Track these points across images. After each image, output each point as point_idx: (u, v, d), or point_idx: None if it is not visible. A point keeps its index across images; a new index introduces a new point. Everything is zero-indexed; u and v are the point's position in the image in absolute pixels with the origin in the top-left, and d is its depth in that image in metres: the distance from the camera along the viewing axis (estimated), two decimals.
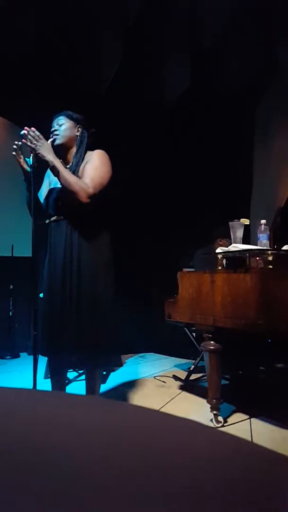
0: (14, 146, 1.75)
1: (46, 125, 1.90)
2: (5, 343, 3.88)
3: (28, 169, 1.81)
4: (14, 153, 1.75)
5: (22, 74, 3.60)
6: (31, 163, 1.73)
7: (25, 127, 1.70)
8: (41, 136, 1.72)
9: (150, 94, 3.88)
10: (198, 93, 3.69)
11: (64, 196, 1.78)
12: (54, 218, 1.83)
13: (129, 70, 3.65)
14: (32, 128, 1.71)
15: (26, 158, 1.78)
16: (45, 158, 1.71)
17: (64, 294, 1.75)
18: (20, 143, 1.73)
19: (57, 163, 1.72)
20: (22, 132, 1.71)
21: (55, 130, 1.86)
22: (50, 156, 1.71)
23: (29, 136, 1.69)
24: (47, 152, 1.71)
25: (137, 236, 4.01)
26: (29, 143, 1.69)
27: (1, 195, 3.72)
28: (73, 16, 3.23)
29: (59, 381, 1.94)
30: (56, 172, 1.72)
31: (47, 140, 1.77)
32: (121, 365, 3.49)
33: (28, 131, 1.69)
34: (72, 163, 1.84)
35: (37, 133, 1.71)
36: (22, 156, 1.78)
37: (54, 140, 1.83)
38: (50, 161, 1.71)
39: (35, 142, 1.69)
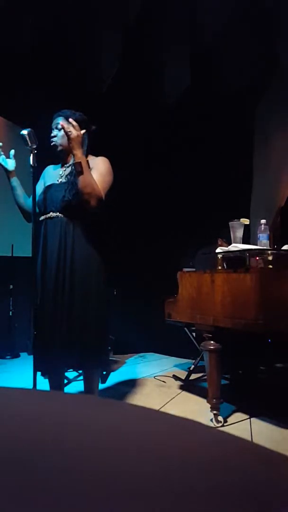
0: None
1: (46, 125, 1.90)
2: (5, 343, 3.88)
3: (9, 168, 1.88)
4: None
5: (22, 73, 3.60)
6: (31, 163, 1.73)
7: (68, 120, 1.73)
8: (78, 129, 1.72)
9: (150, 94, 3.88)
10: (198, 93, 3.69)
11: (68, 194, 1.78)
12: (49, 215, 1.82)
13: (129, 70, 3.65)
14: (71, 120, 1.73)
15: (4, 159, 1.86)
16: (74, 151, 1.71)
17: (57, 290, 1.75)
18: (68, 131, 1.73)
19: (83, 159, 1.72)
20: (21, 132, 1.72)
21: (55, 136, 1.87)
22: (79, 151, 1.72)
23: (68, 123, 1.70)
24: (78, 146, 1.71)
25: (137, 236, 4.01)
26: (67, 131, 1.69)
27: (1, 195, 3.73)
28: (73, 16, 3.23)
29: (56, 381, 1.94)
30: (80, 169, 1.71)
31: (49, 144, 1.78)
32: (110, 364, 3.46)
33: (69, 121, 1.72)
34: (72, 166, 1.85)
35: (75, 124, 1.72)
36: None
37: (55, 146, 1.87)
38: (78, 157, 1.71)
39: (74, 133, 1.69)
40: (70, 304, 1.74)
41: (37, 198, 1.89)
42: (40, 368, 1.82)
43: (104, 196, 1.77)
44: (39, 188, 1.93)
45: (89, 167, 1.80)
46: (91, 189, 1.72)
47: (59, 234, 1.78)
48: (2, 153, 1.89)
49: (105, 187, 1.79)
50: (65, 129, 1.70)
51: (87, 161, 1.80)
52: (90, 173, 1.75)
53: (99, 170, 1.81)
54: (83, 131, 1.79)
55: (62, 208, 1.79)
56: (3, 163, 1.90)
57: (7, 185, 1.95)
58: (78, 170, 1.72)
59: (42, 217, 1.85)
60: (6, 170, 1.92)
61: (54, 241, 1.78)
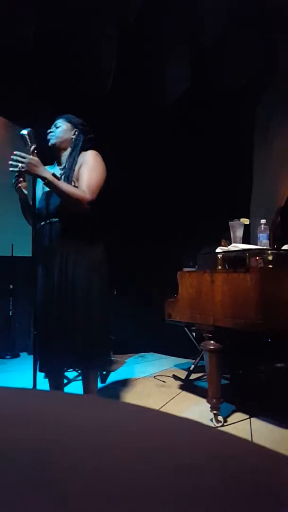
0: (17, 178, 1.76)
1: (45, 125, 1.90)
2: (5, 343, 3.88)
3: (25, 192, 1.84)
4: (20, 184, 1.77)
5: (22, 74, 3.60)
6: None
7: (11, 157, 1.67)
8: (24, 155, 1.67)
9: (150, 94, 3.88)
10: (198, 93, 3.69)
11: (62, 199, 1.78)
12: (49, 220, 1.82)
13: (128, 70, 3.65)
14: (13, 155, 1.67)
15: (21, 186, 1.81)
16: (38, 176, 1.68)
17: (60, 292, 1.76)
18: (17, 168, 1.71)
19: (50, 177, 1.68)
20: (21, 132, 1.72)
21: (51, 132, 1.89)
22: (40, 171, 1.67)
23: (13, 162, 1.65)
24: (37, 169, 1.67)
25: (137, 236, 4.01)
26: (17, 169, 1.65)
27: (1, 195, 3.72)
28: (73, 16, 3.23)
29: (56, 381, 1.95)
30: (52, 186, 1.70)
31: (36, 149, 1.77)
32: (111, 364, 3.48)
33: (12, 158, 1.65)
34: (66, 166, 1.85)
35: (18, 153, 1.66)
36: (22, 183, 1.80)
37: (48, 140, 1.86)
38: (43, 178, 1.68)
39: (22, 164, 1.65)
40: (73, 306, 1.75)
41: (37, 205, 1.90)
42: (42, 369, 1.83)
43: (95, 193, 1.75)
44: (39, 191, 1.93)
45: (75, 164, 1.82)
46: (75, 197, 1.70)
47: (60, 238, 1.78)
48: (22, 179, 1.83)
49: (96, 184, 1.77)
50: (17, 168, 1.65)
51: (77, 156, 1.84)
52: (63, 183, 1.72)
53: (88, 165, 1.81)
54: (73, 136, 1.85)
55: (61, 214, 1.79)
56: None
57: (7, 185, 1.95)
58: (49, 188, 1.72)
59: (42, 223, 1.85)
60: (22, 194, 1.86)
61: (55, 245, 1.78)
